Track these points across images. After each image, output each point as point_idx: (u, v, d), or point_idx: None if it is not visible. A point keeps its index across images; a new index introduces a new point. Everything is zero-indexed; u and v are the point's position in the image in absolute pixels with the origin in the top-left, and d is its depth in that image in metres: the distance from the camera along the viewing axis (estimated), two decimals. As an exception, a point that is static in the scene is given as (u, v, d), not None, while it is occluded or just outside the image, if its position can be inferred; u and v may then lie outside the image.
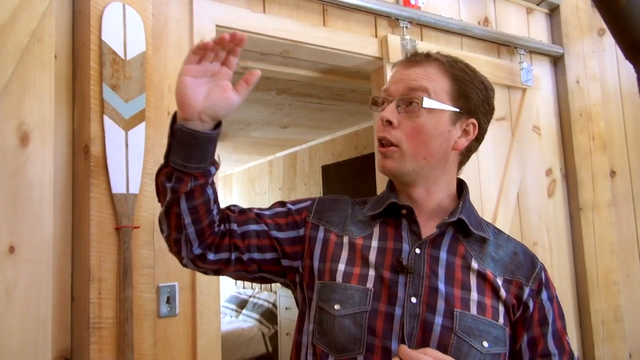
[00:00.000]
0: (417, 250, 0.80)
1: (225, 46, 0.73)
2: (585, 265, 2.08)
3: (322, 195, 4.13)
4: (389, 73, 1.73)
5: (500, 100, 2.02)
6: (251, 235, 0.84)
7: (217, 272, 0.87)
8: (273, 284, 5.20)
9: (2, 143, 0.91)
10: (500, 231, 0.89)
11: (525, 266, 0.83)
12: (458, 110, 0.82)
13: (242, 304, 5.43)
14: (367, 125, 3.81)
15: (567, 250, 2.15)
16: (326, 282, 0.81)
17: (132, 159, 1.20)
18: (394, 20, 1.78)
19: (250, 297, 5.43)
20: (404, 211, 0.83)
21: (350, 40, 1.69)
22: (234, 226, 0.84)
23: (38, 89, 1.02)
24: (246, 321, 5.04)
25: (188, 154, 0.74)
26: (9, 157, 0.93)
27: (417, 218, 0.82)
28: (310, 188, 4.55)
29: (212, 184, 0.81)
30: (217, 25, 1.46)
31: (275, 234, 0.86)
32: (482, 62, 1.97)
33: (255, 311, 5.10)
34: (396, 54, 1.73)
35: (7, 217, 0.91)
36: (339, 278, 0.80)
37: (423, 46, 1.80)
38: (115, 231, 1.14)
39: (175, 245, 0.82)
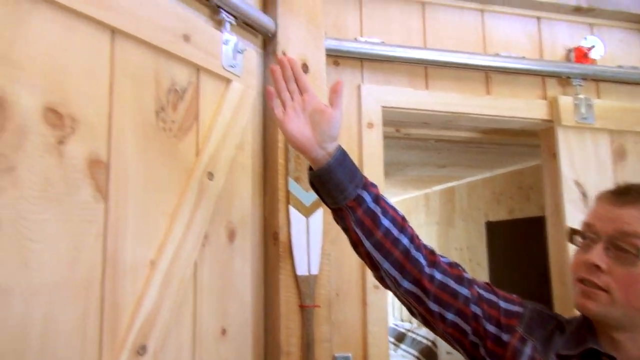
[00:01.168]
0: None
1: (286, 71, 0.86)
2: None
3: (487, 251, 3.97)
4: (560, 136, 1.64)
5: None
6: (466, 313, 0.85)
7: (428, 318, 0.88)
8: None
9: (216, 242, 1.12)
10: None
11: None
12: None
13: (400, 337, 5.42)
14: (532, 164, 3.58)
15: None
16: None
17: (312, 242, 1.35)
18: (564, 79, 1.69)
19: (409, 331, 5.39)
20: (605, 359, 0.77)
21: (516, 105, 1.65)
22: (456, 289, 0.85)
23: (240, 190, 1.22)
24: (405, 357, 5.01)
25: (328, 191, 0.85)
26: (220, 253, 1.13)
27: None
28: (469, 226, 4.40)
29: (387, 214, 0.85)
30: (382, 107, 1.56)
31: (486, 324, 0.85)
32: (675, 112, 1.74)
33: (414, 347, 5.04)
34: (569, 116, 1.64)
35: (220, 305, 1.10)
36: None
37: (600, 103, 1.67)
38: (299, 309, 1.29)
39: (382, 283, 0.90)
